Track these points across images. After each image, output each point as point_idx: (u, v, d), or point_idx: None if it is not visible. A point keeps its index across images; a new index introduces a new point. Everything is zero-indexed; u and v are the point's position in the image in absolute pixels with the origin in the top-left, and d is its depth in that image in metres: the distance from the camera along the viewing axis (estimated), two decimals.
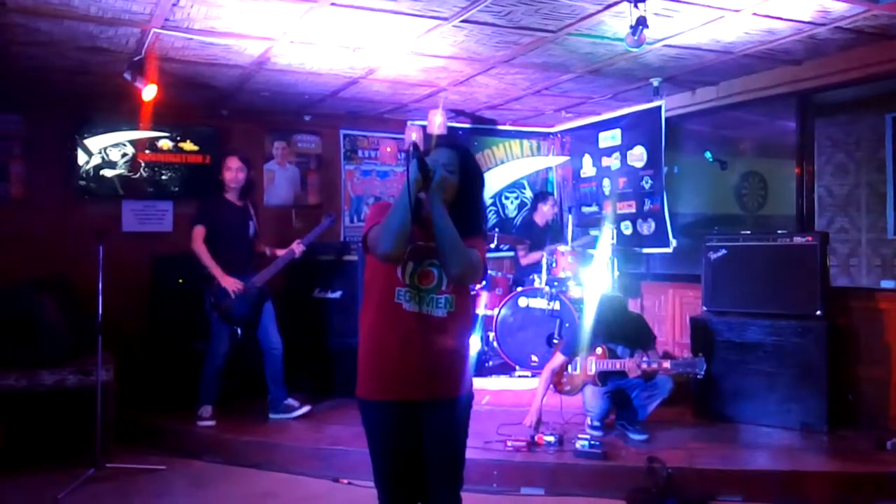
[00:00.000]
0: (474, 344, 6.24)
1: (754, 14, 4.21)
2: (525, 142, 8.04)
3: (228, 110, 6.60)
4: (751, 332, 5.01)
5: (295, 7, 4.03)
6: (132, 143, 6.32)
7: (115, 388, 4.87)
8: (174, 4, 3.93)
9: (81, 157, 6.15)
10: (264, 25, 4.33)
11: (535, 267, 6.64)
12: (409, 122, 7.12)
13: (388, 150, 7.45)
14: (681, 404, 5.15)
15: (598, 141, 7.19)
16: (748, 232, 5.37)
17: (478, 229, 2.58)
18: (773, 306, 5.00)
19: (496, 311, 6.28)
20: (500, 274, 6.74)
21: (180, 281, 5.81)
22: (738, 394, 5.02)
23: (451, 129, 6.94)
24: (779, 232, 5.15)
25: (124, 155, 6.32)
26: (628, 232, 6.79)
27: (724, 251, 5.29)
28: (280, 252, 5.40)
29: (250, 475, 4.59)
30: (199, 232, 5.13)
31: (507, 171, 7.96)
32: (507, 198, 7.98)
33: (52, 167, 6.10)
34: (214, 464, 4.79)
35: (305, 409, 5.28)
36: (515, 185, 8.04)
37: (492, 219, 7.77)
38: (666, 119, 6.34)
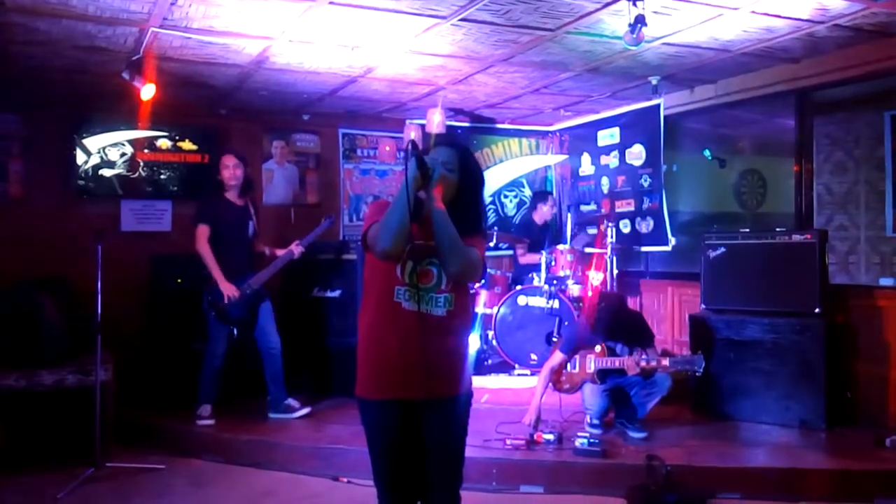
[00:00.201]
0: (473, 342, 6.23)
1: (753, 12, 4.21)
2: (524, 140, 8.04)
3: (227, 109, 6.60)
4: (750, 329, 5.02)
5: (293, 6, 4.02)
6: (131, 142, 6.33)
7: (114, 387, 4.86)
8: (172, 3, 3.92)
9: (80, 157, 6.16)
10: (263, 24, 4.33)
11: (535, 265, 6.65)
12: (407, 121, 7.12)
13: (387, 149, 7.45)
14: (680, 402, 5.15)
15: (596, 139, 7.20)
16: (747, 230, 5.39)
17: (477, 228, 2.58)
18: (771, 304, 5.01)
19: (495, 309, 6.28)
20: (499, 272, 6.74)
21: (179, 280, 5.81)
22: (737, 391, 5.02)
23: (449, 127, 6.93)
24: (778, 230, 5.16)
25: (123, 154, 6.31)
26: (627, 230, 6.79)
27: (722, 249, 5.29)
28: (279, 252, 5.40)
29: (250, 474, 4.60)
30: (202, 231, 5.11)
31: (505, 169, 7.96)
32: (505, 196, 7.98)
33: (51, 167, 6.10)
34: (214, 463, 4.79)
35: (305, 410, 5.28)
36: (514, 184, 8.04)
37: (491, 217, 7.78)
38: (665, 117, 6.34)
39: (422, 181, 2.35)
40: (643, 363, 4.49)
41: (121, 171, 6.31)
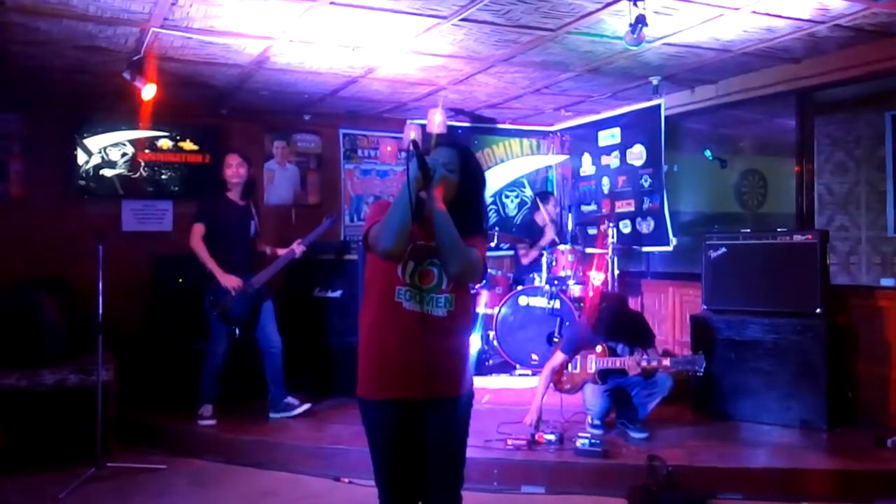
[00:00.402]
0: (475, 343, 6.23)
1: (753, 12, 4.21)
2: (525, 140, 8.04)
3: (228, 110, 6.60)
4: (751, 330, 5.02)
5: (294, 6, 4.02)
6: (132, 142, 6.33)
7: (115, 387, 4.87)
8: (173, 4, 3.92)
9: (81, 157, 6.16)
10: (263, 24, 4.33)
11: (536, 266, 6.65)
12: (408, 121, 7.12)
13: (388, 149, 7.45)
14: (681, 402, 5.15)
15: (597, 139, 7.20)
16: (748, 230, 5.38)
17: (478, 228, 2.58)
18: (772, 304, 5.01)
19: (496, 309, 6.27)
20: (500, 273, 6.74)
21: (180, 280, 5.82)
22: (737, 392, 5.02)
23: (450, 127, 6.93)
24: (779, 230, 5.15)
25: (124, 154, 6.32)
26: (627, 230, 6.79)
27: (723, 249, 5.29)
28: (281, 252, 5.41)
29: (251, 474, 4.60)
30: (197, 229, 5.13)
31: (506, 169, 7.96)
32: (507, 196, 7.98)
33: (52, 167, 6.10)
34: (215, 463, 4.79)
35: (305, 407, 5.29)
36: (515, 184, 8.04)
37: (492, 217, 7.77)
38: (665, 117, 6.34)
39: (423, 181, 2.35)
40: (644, 363, 4.49)
41: (122, 170, 6.31)
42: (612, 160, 7.01)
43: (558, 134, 7.97)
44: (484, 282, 6.37)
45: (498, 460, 4.25)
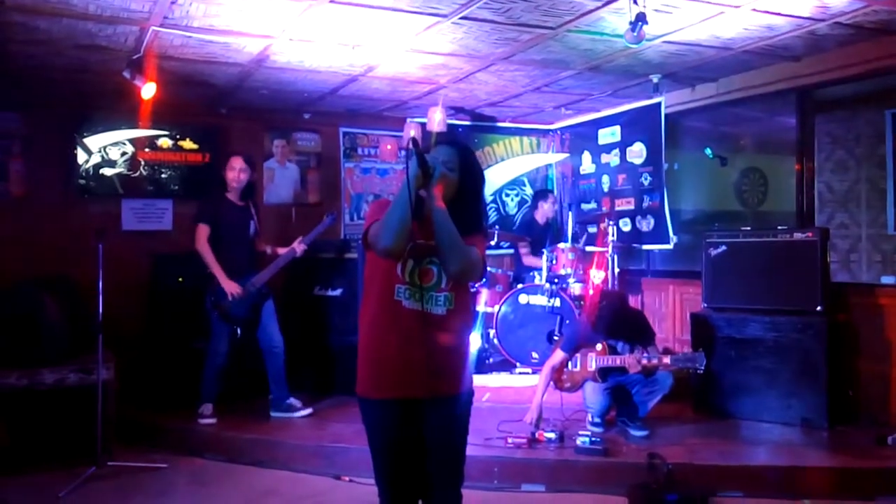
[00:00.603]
0: (475, 341, 6.24)
1: (753, 10, 4.20)
2: (525, 139, 8.04)
3: (228, 108, 6.59)
4: (751, 328, 5.02)
5: (294, 5, 4.02)
6: (132, 141, 6.33)
7: (115, 386, 4.87)
8: (173, 2, 3.92)
9: (81, 156, 6.16)
10: (263, 23, 4.32)
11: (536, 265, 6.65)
12: (408, 120, 7.12)
13: (388, 147, 7.45)
14: (681, 400, 5.15)
15: (597, 138, 7.19)
16: (748, 228, 5.39)
17: (478, 227, 2.58)
18: (773, 302, 5.01)
19: (497, 308, 6.27)
20: (500, 271, 6.74)
21: (180, 280, 5.82)
22: (738, 390, 5.02)
23: (450, 126, 6.93)
24: (779, 228, 5.15)
25: (124, 153, 6.32)
26: (627, 228, 6.79)
27: (724, 247, 5.29)
28: (281, 251, 5.41)
29: (252, 473, 4.60)
30: (202, 231, 5.12)
31: (507, 168, 7.96)
32: (507, 195, 7.98)
33: (52, 166, 6.10)
34: (216, 462, 4.79)
35: (307, 411, 5.28)
36: (515, 182, 8.03)
37: (492, 216, 7.77)
38: (665, 115, 6.33)
39: (423, 180, 2.35)
40: (644, 361, 4.49)
41: (122, 170, 6.31)
42: (613, 158, 7.01)
43: (558, 132, 7.97)
44: (484, 280, 6.37)
45: (498, 458, 4.25)
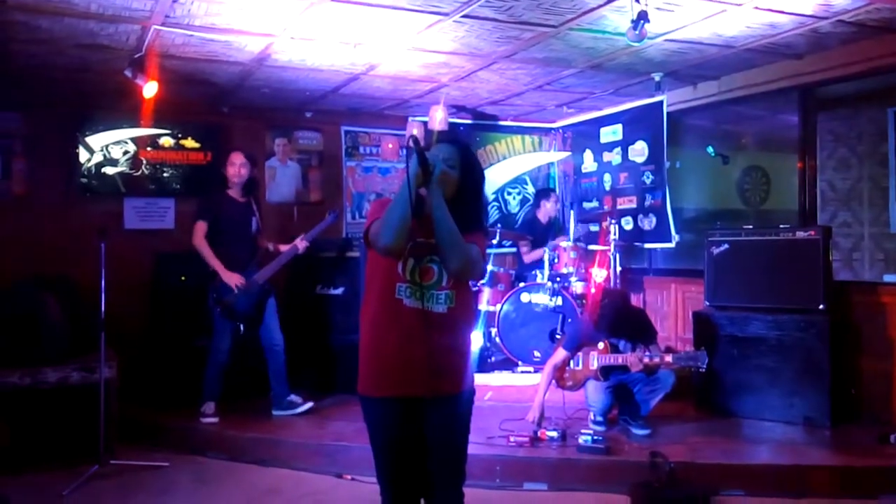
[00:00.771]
0: (477, 340, 6.24)
1: (756, 8, 4.19)
2: (527, 137, 8.03)
3: (229, 107, 6.60)
4: (753, 326, 5.01)
5: (295, 3, 4.02)
6: (133, 140, 6.33)
7: (118, 385, 4.87)
8: (174, 1, 3.92)
9: (83, 155, 6.16)
10: (265, 22, 4.32)
11: (538, 263, 6.65)
12: (410, 118, 7.12)
13: (390, 146, 7.45)
14: (683, 399, 5.16)
15: (599, 136, 7.19)
16: (750, 226, 5.38)
17: (478, 225, 2.58)
18: (775, 301, 5.00)
19: (498, 306, 6.27)
20: (502, 270, 6.74)
21: (182, 278, 5.82)
22: (740, 388, 5.02)
23: (452, 124, 6.93)
24: (781, 226, 5.15)
25: (126, 152, 6.32)
26: (629, 227, 6.78)
27: (726, 246, 5.29)
28: (283, 248, 5.41)
29: (254, 471, 4.60)
30: (200, 227, 5.13)
31: (508, 166, 7.95)
32: (509, 193, 7.97)
33: (54, 165, 6.10)
34: (218, 460, 4.80)
35: (308, 405, 5.29)
36: (517, 181, 8.03)
37: (494, 214, 7.77)
38: (667, 114, 6.33)
39: (423, 178, 2.35)
40: (646, 360, 4.49)
41: (124, 168, 6.32)
42: (614, 157, 7.00)
43: (560, 130, 7.96)
44: (485, 279, 6.38)
45: (500, 457, 4.25)
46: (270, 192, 6.93)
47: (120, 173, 6.30)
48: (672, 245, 6.43)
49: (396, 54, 5.06)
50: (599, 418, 4.74)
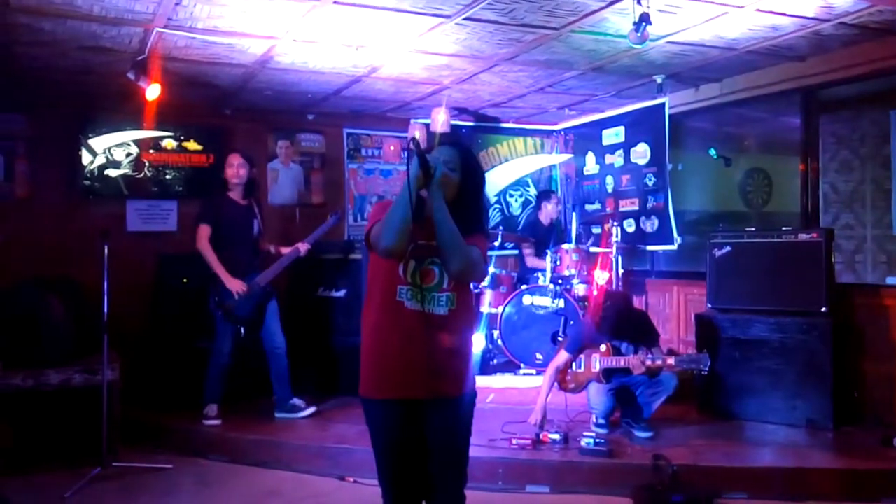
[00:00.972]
0: (479, 342, 6.24)
1: (758, 10, 4.19)
2: (528, 139, 8.04)
3: (232, 109, 6.61)
4: (756, 328, 5.01)
5: (297, 6, 4.03)
6: (136, 142, 6.34)
7: (120, 387, 4.87)
8: (177, 4, 3.93)
9: (86, 157, 6.17)
10: (267, 24, 4.33)
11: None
12: (412, 120, 7.13)
13: (392, 148, 7.46)
14: (686, 401, 5.15)
15: (601, 138, 7.18)
16: (753, 229, 5.37)
17: (479, 227, 2.57)
18: (778, 303, 4.99)
19: (500, 309, 6.27)
20: (504, 272, 6.74)
21: (185, 280, 5.82)
22: (743, 391, 5.01)
23: (454, 126, 6.93)
24: (784, 229, 5.14)
25: (128, 154, 6.33)
26: (632, 229, 6.77)
27: (728, 248, 5.28)
28: (285, 250, 5.40)
29: (256, 474, 4.60)
30: (203, 231, 5.12)
31: (510, 168, 7.96)
32: (511, 195, 7.98)
33: (57, 167, 6.12)
34: (220, 462, 4.80)
35: (311, 410, 5.28)
36: (519, 183, 8.03)
37: (496, 217, 7.78)
38: (669, 116, 6.31)
39: (424, 180, 2.35)
40: (648, 362, 4.48)
41: (126, 171, 6.33)
42: (616, 159, 7.00)
43: (562, 133, 7.96)
44: (487, 281, 6.37)
45: (502, 459, 4.25)
46: (273, 195, 6.94)
47: (123, 175, 6.31)
48: (674, 247, 6.42)
49: (398, 57, 5.06)
50: (602, 421, 4.74)
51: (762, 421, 4.90)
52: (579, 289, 6.32)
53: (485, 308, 6.39)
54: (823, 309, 4.80)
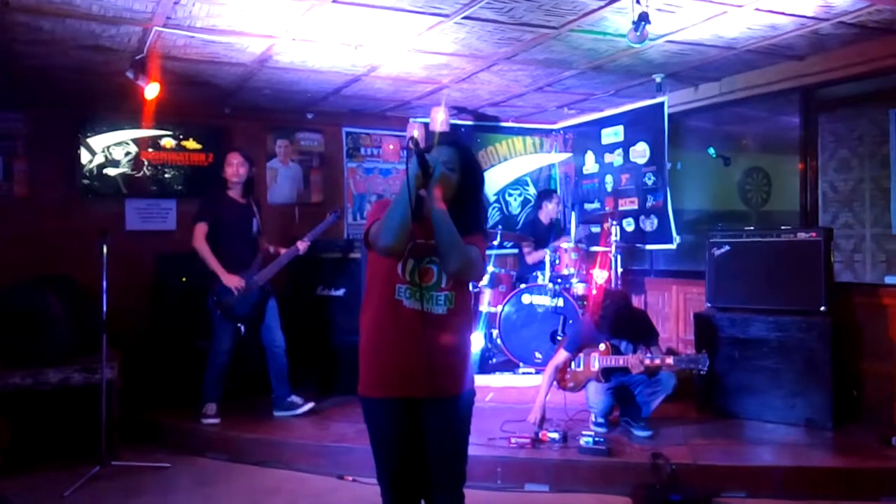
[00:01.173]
0: (478, 341, 6.24)
1: (757, 9, 4.19)
2: (528, 138, 8.04)
3: (231, 108, 6.60)
4: (755, 328, 5.01)
5: (296, 5, 4.02)
6: (135, 141, 6.34)
7: (119, 386, 4.88)
8: (176, 3, 3.93)
9: (85, 156, 6.17)
10: (266, 23, 4.33)
11: (539, 264, 6.64)
12: (411, 120, 7.13)
13: (391, 147, 7.46)
14: (685, 400, 5.15)
15: (600, 137, 7.19)
16: (752, 228, 5.37)
17: (477, 227, 2.58)
18: (776, 302, 5.00)
19: (499, 308, 6.27)
20: (503, 271, 6.74)
21: (184, 279, 5.82)
22: (742, 390, 5.01)
23: (453, 126, 6.93)
24: (783, 228, 5.14)
25: (127, 153, 6.33)
26: (631, 228, 6.78)
27: (727, 247, 5.28)
28: (284, 251, 5.39)
29: (255, 472, 4.60)
30: (200, 229, 5.12)
31: (509, 168, 7.96)
32: (510, 195, 7.98)
33: (56, 166, 6.12)
34: (219, 461, 4.80)
35: (309, 405, 5.29)
36: (518, 182, 8.03)
37: (495, 216, 7.78)
38: (668, 115, 6.32)
39: (422, 179, 2.35)
40: (647, 361, 4.48)
41: (125, 170, 6.33)
42: (616, 158, 7.00)
43: (561, 132, 7.97)
44: (486, 280, 6.37)
45: (501, 458, 4.25)
46: (272, 194, 6.93)
47: (121, 174, 6.31)
48: (673, 246, 6.43)
49: (397, 56, 5.06)
50: (601, 420, 4.74)
51: (761, 420, 4.90)
52: (578, 288, 6.32)
53: (484, 307, 6.39)
54: (822, 308, 4.80)
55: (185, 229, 5.63)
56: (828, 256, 4.88)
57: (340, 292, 5.94)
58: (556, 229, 7.17)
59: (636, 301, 6.58)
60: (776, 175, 6.86)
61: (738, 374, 5.03)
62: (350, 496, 4.18)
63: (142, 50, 4.68)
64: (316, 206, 7.04)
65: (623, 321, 4.71)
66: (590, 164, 7.41)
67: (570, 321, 6.04)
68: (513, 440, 4.41)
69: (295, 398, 5.29)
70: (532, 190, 8.01)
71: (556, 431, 4.46)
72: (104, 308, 4.51)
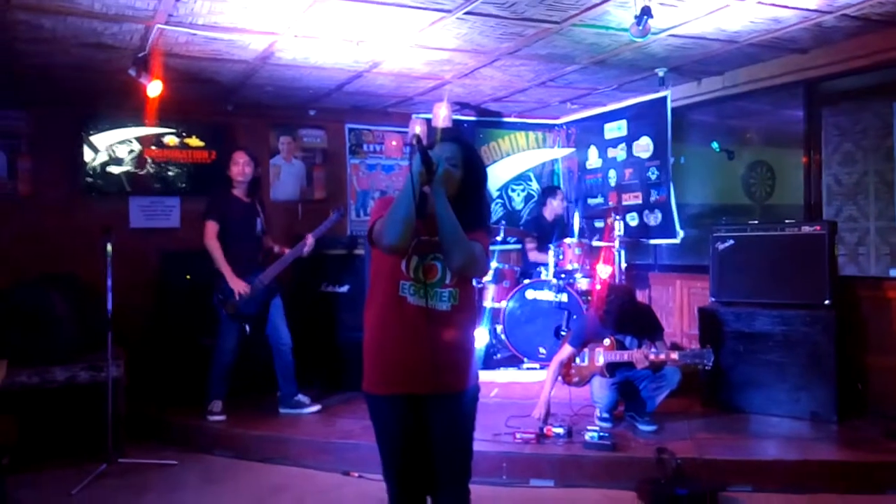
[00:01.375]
0: (482, 337, 6.24)
1: (759, 2, 4.18)
2: (531, 134, 8.02)
3: (233, 105, 6.61)
4: (759, 322, 5.00)
5: (298, 1, 4.02)
6: (138, 139, 6.35)
7: (125, 383, 4.89)
8: (178, 0, 3.93)
9: (88, 154, 6.18)
10: (268, 20, 4.32)
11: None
12: (413, 116, 7.12)
13: (394, 143, 7.45)
14: (689, 395, 5.15)
15: (603, 132, 7.18)
16: (756, 222, 5.37)
17: (481, 223, 2.58)
18: (781, 296, 4.99)
19: (504, 303, 6.28)
20: (507, 266, 6.74)
21: (188, 277, 5.83)
22: (746, 384, 5.01)
23: (456, 121, 6.92)
24: (787, 221, 5.14)
25: (131, 151, 6.33)
26: (635, 223, 6.77)
27: (731, 241, 5.28)
28: (289, 250, 5.38)
29: (261, 469, 4.62)
30: (211, 227, 5.12)
31: (512, 163, 7.95)
32: (513, 190, 7.97)
33: (59, 164, 6.12)
34: (225, 458, 4.82)
35: (316, 407, 5.29)
36: (522, 178, 8.03)
37: (499, 211, 7.77)
38: (672, 109, 6.31)
39: (426, 176, 2.35)
40: (652, 356, 4.48)
41: (128, 167, 6.33)
42: (619, 153, 6.99)
43: (564, 127, 7.95)
44: (490, 276, 6.37)
45: (507, 454, 4.26)
46: (275, 191, 6.94)
47: (125, 172, 6.32)
48: (677, 241, 6.42)
49: (399, 51, 5.06)
50: (605, 415, 4.74)
51: (766, 414, 4.90)
52: (582, 283, 6.32)
53: (488, 303, 6.39)
54: (827, 301, 4.80)
55: (189, 227, 5.65)
56: (832, 250, 4.88)
57: (345, 289, 5.94)
58: (560, 226, 7.17)
59: (640, 296, 6.57)
60: (780, 169, 6.84)
61: (742, 369, 5.03)
62: (356, 492, 4.19)
63: (144, 47, 4.68)
64: (319, 202, 7.04)
65: (627, 316, 4.71)
66: (593, 159, 7.40)
67: (575, 316, 6.04)
68: (518, 435, 4.41)
69: (302, 397, 5.30)
70: (535, 185, 8.01)
71: (560, 426, 4.46)
72: (109, 306, 4.52)
